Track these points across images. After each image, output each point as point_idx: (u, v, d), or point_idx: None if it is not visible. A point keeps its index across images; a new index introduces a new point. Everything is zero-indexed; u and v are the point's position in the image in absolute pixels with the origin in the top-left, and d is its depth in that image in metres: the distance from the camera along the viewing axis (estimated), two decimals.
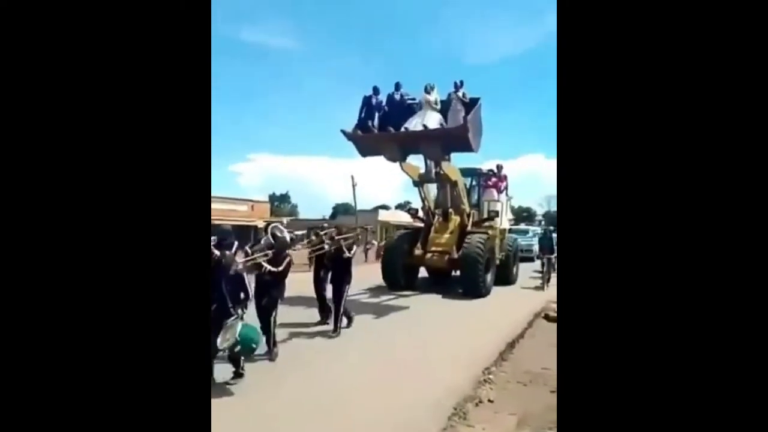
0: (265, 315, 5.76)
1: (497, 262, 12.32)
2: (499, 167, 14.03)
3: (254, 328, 5.03)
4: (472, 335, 7.32)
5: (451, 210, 12.17)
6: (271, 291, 5.78)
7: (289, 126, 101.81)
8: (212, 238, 4.67)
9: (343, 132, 9.88)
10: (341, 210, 59.16)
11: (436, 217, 12.48)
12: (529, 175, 76.49)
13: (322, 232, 7.66)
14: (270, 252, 5.89)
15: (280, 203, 69.54)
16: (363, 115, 10.10)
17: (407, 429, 3.95)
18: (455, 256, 11.25)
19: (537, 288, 12.79)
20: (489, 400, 4.67)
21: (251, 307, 5.41)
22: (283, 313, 6.59)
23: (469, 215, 12.28)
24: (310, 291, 7.92)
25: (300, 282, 7.98)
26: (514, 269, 13.85)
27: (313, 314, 7.79)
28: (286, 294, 6.08)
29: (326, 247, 7.17)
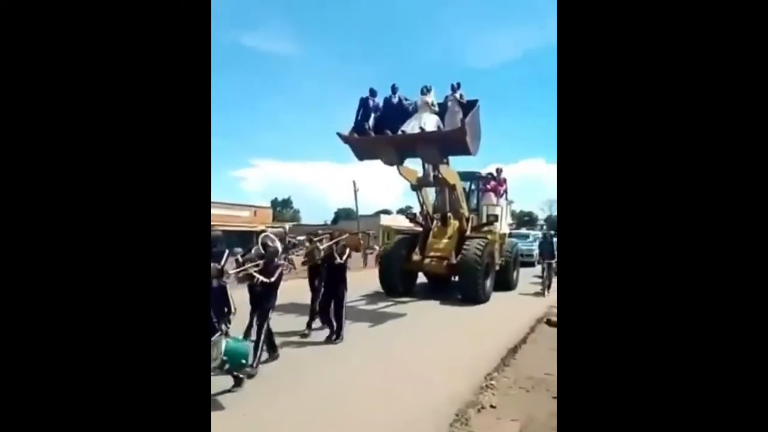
0: (258, 327, 5.55)
1: (497, 267, 12.09)
2: (499, 171, 13.83)
3: (241, 342, 4.84)
4: (472, 342, 7.16)
5: (449, 214, 11.96)
6: (262, 302, 5.58)
7: (292, 131, 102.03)
8: None
9: (339, 135, 9.68)
10: (343, 215, 59.12)
11: (435, 221, 12.26)
12: (531, 180, 76.45)
13: (316, 239, 7.46)
14: (261, 262, 5.70)
15: (282, 209, 69.54)
16: (359, 117, 9.89)
17: None
18: (454, 261, 11.02)
19: (537, 294, 12.53)
20: (491, 406, 4.61)
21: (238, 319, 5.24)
22: (278, 322, 6.40)
23: (468, 220, 12.05)
24: (306, 299, 7.73)
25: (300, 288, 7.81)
26: (515, 274, 13.61)
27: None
28: (279, 302, 5.88)
29: (317, 255, 6.97)
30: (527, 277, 14.87)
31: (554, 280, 12.70)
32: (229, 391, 4.65)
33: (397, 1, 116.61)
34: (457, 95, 9.70)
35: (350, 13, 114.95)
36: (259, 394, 4.68)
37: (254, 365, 5.30)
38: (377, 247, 22.43)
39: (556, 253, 12.80)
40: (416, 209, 12.98)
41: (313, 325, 7.28)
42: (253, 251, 6.10)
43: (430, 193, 12.53)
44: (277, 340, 6.53)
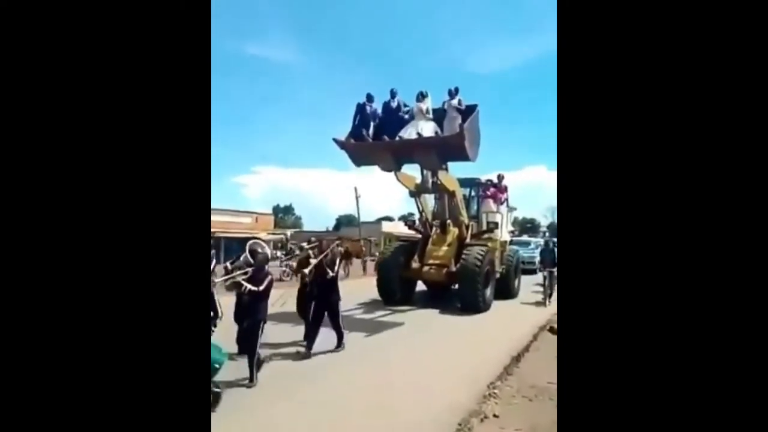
0: (250, 338, 5.34)
1: (497, 275, 11.85)
2: (501, 177, 13.60)
3: (216, 348, 4.61)
4: (473, 350, 7.03)
5: (449, 221, 11.74)
6: (252, 312, 5.36)
7: (293, 138, 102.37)
8: None
9: (336, 140, 9.50)
10: (345, 222, 59.17)
11: (434, 228, 12.04)
12: (533, 187, 76.40)
13: (307, 246, 7.23)
14: (250, 270, 5.50)
15: (283, 215, 69.68)
16: (357, 123, 9.74)
17: None
18: (453, 269, 10.81)
19: (538, 303, 12.23)
20: (494, 415, 4.55)
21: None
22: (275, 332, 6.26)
23: (467, 227, 11.84)
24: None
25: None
26: (516, 282, 13.35)
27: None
28: (277, 310, 5.71)
29: (306, 276, 6.69)
30: (529, 285, 14.63)
31: (556, 288, 12.45)
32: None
33: (398, 9, 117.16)
34: (455, 101, 9.53)
35: (352, 21, 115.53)
36: (253, 406, 4.56)
37: (253, 379, 5.19)
38: (378, 254, 22.19)
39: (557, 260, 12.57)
40: (418, 216, 12.76)
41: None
42: (241, 258, 5.89)
43: (430, 199, 12.36)
44: (271, 351, 6.40)
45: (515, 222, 17.30)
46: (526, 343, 7.63)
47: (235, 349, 5.74)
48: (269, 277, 5.46)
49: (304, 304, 7.00)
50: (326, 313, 6.66)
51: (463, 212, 11.71)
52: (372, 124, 9.60)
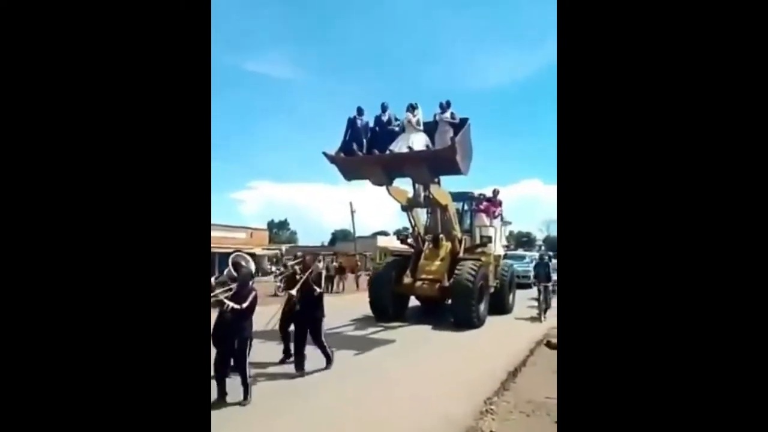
0: (238, 357, 5.08)
1: (491, 290, 11.67)
2: (496, 192, 13.51)
3: None
4: (468, 366, 6.88)
5: (441, 236, 11.59)
6: (237, 331, 5.07)
7: (289, 153, 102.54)
8: None
9: (325, 154, 9.37)
10: (340, 236, 58.91)
11: (426, 243, 11.88)
12: (528, 200, 76.61)
13: (292, 263, 6.99)
14: (233, 285, 5.28)
15: (278, 230, 69.33)
16: (348, 137, 9.64)
17: None
18: (446, 284, 10.62)
19: (533, 319, 12.02)
20: None
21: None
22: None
23: (461, 241, 11.69)
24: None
25: None
26: (510, 297, 13.17)
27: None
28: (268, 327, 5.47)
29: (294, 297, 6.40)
30: (524, 300, 14.44)
31: (554, 302, 12.25)
32: None
33: (395, 25, 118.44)
34: (447, 114, 9.44)
35: (349, 36, 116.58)
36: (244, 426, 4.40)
37: (248, 398, 5.01)
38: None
39: (553, 275, 12.40)
40: (410, 230, 12.60)
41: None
42: (225, 273, 5.68)
43: (422, 214, 12.23)
44: (259, 370, 6.17)
45: (511, 236, 17.12)
46: (523, 358, 7.49)
47: None
48: (253, 294, 5.21)
49: (287, 322, 6.78)
50: (308, 330, 6.41)
51: (456, 226, 11.57)
52: (363, 137, 9.50)
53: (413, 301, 12.48)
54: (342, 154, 9.37)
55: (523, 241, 57.43)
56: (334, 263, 22.85)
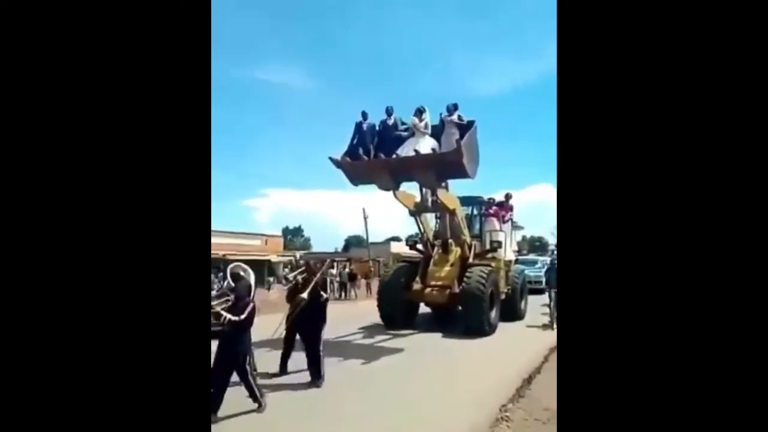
0: (241, 372, 4.92)
1: (502, 296, 11.39)
2: (508, 196, 13.25)
3: None
4: (480, 374, 6.69)
5: (450, 241, 11.36)
6: (233, 344, 4.87)
7: (302, 161, 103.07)
8: None
9: (331, 159, 9.25)
10: (354, 242, 58.88)
11: (435, 248, 11.66)
12: (540, 205, 75.90)
13: (293, 275, 6.71)
14: (231, 297, 5.11)
15: (293, 237, 69.54)
16: (355, 141, 9.53)
17: None
18: (456, 290, 10.37)
19: (546, 325, 11.65)
20: None
21: None
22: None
23: (470, 246, 11.44)
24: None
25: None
26: (522, 303, 12.84)
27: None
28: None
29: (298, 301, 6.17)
30: (536, 306, 14.12)
31: None
32: None
33: (405, 31, 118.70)
34: (454, 116, 9.26)
35: (359, 45, 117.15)
36: None
37: (262, 403, 4.96)
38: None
39: None
40: (419, 236, 12.37)
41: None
42: (224, 285, 5.52)
43: (431, 218, 12.02)
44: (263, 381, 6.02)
45: (523, 241, 16.80)
46: (537, 364, 7.27)
47: None
48: (251, 306, 5.03)
49: (292, 333, 6.58)
50: (307, 337, 6.22)
51: (465, 231, 11.34)
52: (369, 142, 9.37)
53: (425, 309, 12.25)
54: (348, 159, 9.24)
55: (535, 245, 56.82)
56: (346, 270, 22.72)
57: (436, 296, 10.86)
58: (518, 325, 11.83)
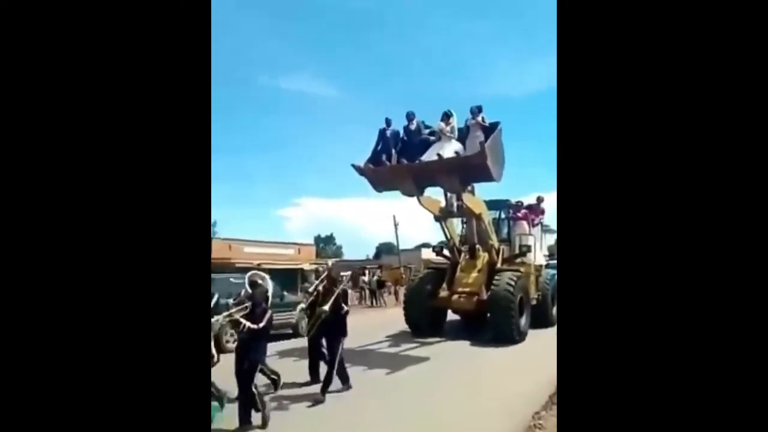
0: (245, 380, 4.82)
1: (533, 302, 11.03)
2: (540, 199, 12.93)
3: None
4: (511, 382, 6.49)
5: (478, 246, 11.10)
6: (248, 351, 4.87)
7: (333, 169, 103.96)
8: None
9: (354, 166, 9.20)
10: (385, 249, 58.77)
11: (462, 254, 11.41)
12: None
13: (314, 285, 6.58)
14: (249, 305, 5.08)
15: (325, 245, 70.04)
16: (378, 148, 9.45)
17: None
18: (484, 297, 10.12)
19: None
20: None
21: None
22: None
23: (498, 251, 11.16)
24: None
25: None
26: (553, 309, 12.39)
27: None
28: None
29: (326, 308, 5.96)
30: None
31: None
32: None
33: (437, 38, 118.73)
34: (479, 119, 9.07)
35: (391, 53, 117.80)
36: None
37: (246, 423, 4.70)
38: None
39: None
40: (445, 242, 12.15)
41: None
42: (242, 293, 5.52)
43: (457, 224, 11.80)
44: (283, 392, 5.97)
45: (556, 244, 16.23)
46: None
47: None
48: (269, 314, 5.03)
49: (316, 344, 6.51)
50: (325, 351, 6.14)
51: (492, 236, 11.07)
52: (392, 148, 9.28)
53: (454, 316, 12.02)
54: (371, 166, 9.17)
55: None
56: (375, 277, 22.66)
57: (463, 303, 10.62)
58: (550, 332, 11.42)
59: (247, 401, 4.78)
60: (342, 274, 6.79)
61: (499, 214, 12.60)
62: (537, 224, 12.50)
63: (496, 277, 10.15)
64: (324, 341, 6.21)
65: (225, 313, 5.21)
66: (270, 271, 12.09)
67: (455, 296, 10.64)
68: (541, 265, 12.37)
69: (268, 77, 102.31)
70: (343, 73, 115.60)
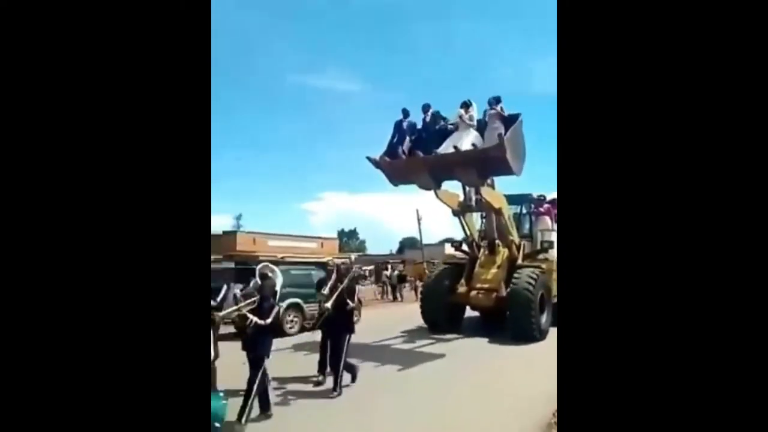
0: (250, 375, 4.76)
1: (554, 299, 10.66)
2: None
3: (219, 400, 4.00)
4: (530, 379, 6.32)
5: (497, 241, 10.80)
6: (256, 347, 4.81)
7: (358, 164, 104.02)
8: None
9: (369, 159, 9.02)
10: (408, 244, 58.60)
11: (482, 249, 11.13)
12: None
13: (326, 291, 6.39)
14: (255, 299, 4.98)
15: (348, 239, 70.29)
16: (394, 140, 9.25)
17: None
18: (503, 293, 9.85)
19: None
20: None
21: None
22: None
23: (519, 247, 10.84)
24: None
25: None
26: None
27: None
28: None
29: (328, 305, 5.92)
30: None
31: None
32: None
33: (458, 33, 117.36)
34: (497, 110, 8.76)
35: (417, 49, 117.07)
36: None
37: (243, 421, 4.58)
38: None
39: None
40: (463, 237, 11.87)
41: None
42: (251, 285, 5.43)
43: (477, 219, 11.51)
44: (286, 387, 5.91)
45: None
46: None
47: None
48: (276, 309, 4.95)
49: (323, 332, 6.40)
50: (332, 346, 6.03)
51: (513, 231, 10.73)
52: (408, 138, 9.07)
53: (474, 313, 11.77)
54: (386, 158, 8.98)
55: None
56: (395, 272, 22.55)
57: (481, 299, 10.37)
58: None
59: (251, 398, 4.68)
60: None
61: (521, 209, 12.26)
62: None
63: (516, 274, 9.86)
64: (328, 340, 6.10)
65: (233, 308, 5.12)
66: (304, 264, 12.16)
67: (473, 292, 10.40)
68: None
69: (297, 76, 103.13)
70: (371, 71, 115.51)
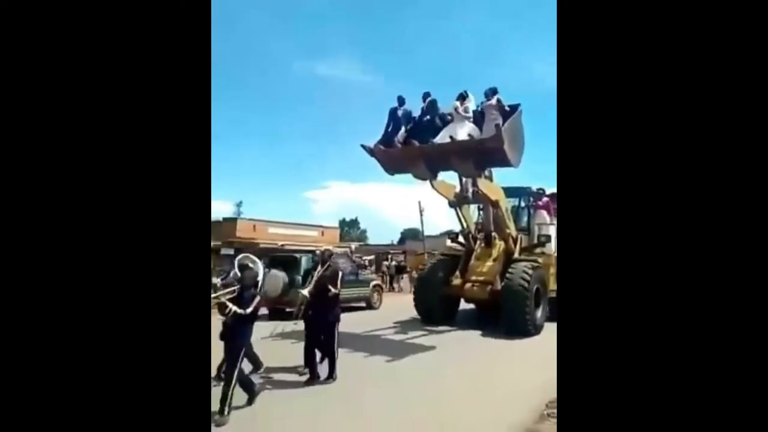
0: (228, 367, 4.67)
1: (551, 294, 10.52)
2: None
3: None
4: (522, 373, 6.26)
5: (494, 234, 10.67)
6: (235, 336, 4.71)
7: (362, 153, 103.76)
8: None
9: (363, 147, 8.85)
10: (409, 235, 58.50)
11: (478, 242, 11.00)
12: None
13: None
14: (237, 288, 4.88)
15: (349, 229, 70.19)
16: (390, 129, 9.06)
17: None
18: (498, 286, 9.72)
19: None
20: None
21: None
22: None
23: (515, 240, 10.68)
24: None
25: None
26: None
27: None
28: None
29: (305, 292, 5.86)
30: None
31: None
32: None
33: (465, 26, 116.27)
34: (493, 101, 8.55)
35: (417, 40, 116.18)
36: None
37: (225, 412, 4.45)
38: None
39: None
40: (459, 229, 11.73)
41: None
42: (231, 275, 5.32)
43: (474, 211, 11.37)
44: (271, 375, 5.82)
45: None
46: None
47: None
48: (257, 299, 4.84)
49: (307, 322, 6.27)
50: (320, 334, 5.90)
51: (510, 224, 10.58)
52: (404, 127, 8.89)
53: (469, 306, 11.67)
54: (381, 147, 8.80)
55: None
56: (393, 262, 22.49)
57: (476, 292, 10.26)
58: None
59: (231, 389, 4.58)
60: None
61: (519, 202, 12.10)
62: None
63: (512, 267, 9.74)
64: (314, 328, 5.97)
65: (212, 295, 5.01)
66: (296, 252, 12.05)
67: (468, 285, 10.30)
68: None
69: (303, 63, 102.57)
70: (377, 60, 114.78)
